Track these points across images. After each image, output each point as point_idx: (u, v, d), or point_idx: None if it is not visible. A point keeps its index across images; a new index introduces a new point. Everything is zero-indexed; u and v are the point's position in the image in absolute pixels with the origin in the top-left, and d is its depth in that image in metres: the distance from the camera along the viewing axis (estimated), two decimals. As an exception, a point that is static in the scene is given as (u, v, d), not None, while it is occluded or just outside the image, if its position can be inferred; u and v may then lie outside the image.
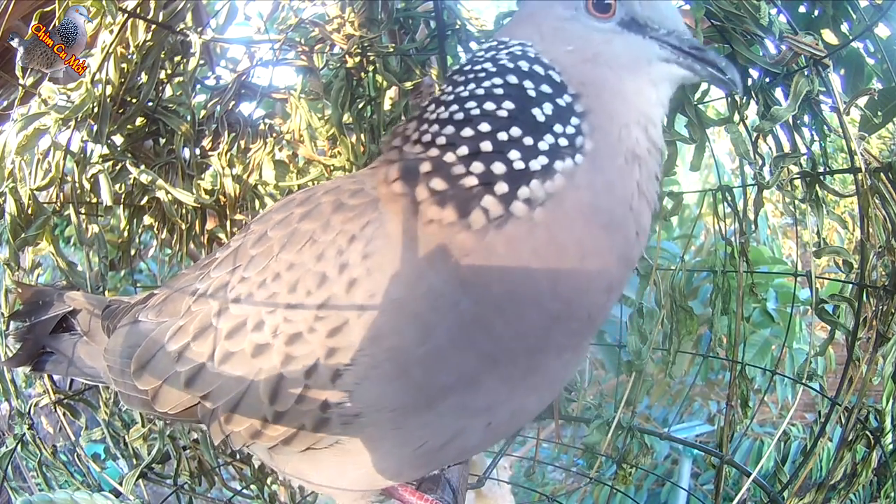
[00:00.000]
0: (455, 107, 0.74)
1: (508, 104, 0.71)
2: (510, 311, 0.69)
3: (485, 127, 0.71)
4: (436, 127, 0.74)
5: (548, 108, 0.71)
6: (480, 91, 0.73)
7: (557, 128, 0.71)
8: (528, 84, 0.73)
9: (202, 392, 0.79)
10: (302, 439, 0.76)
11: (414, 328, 0.67)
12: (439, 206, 0.69)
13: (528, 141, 0.70)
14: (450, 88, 0.77)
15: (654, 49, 0.76)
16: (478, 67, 0.76)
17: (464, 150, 0.70)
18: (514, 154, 0.69)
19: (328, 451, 0.77)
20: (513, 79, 0.73)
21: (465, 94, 0.74)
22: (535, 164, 0.69)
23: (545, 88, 0.73)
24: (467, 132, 0.71)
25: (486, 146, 0.70)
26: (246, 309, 0.75)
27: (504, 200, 0.68)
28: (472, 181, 0.69)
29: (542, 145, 0.70)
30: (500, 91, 0.72)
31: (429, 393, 0.70)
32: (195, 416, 0.83)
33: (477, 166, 0.69)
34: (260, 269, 0.75)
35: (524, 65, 0.74)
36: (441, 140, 0.72)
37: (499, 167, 0.69)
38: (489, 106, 0.72)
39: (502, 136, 0.70)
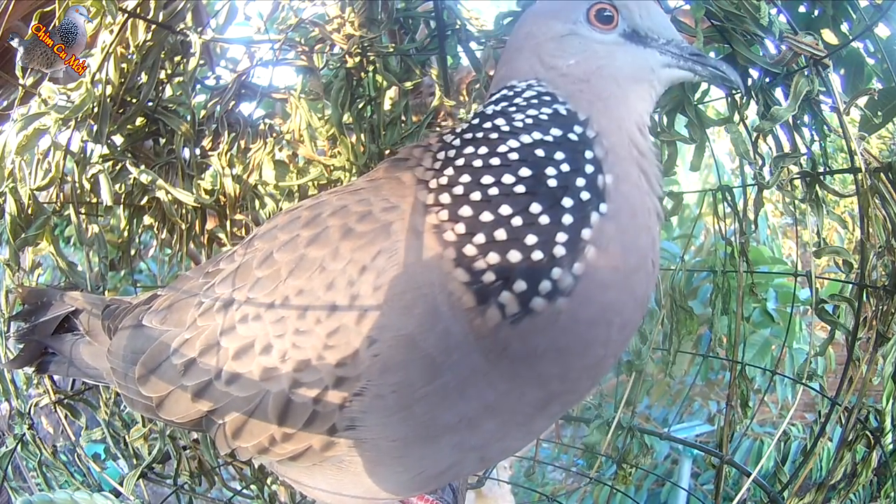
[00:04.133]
0: (467, 177, 0.70)
1: (525, 171, 0.68)
2: (521, 382, 0.70)
3: (505, 210, 0.67)
4: (451, 199, 0.69)
5: (564, 162, 0.68)
6: (496, 160, 0.70)
7: (579, 181, 0.68)
8: (536, 136, 0.70)
9: (209, 407, 0.79)
10: (309, 457, 0.76)
11: (422, 366, 0.67)
12: (463, 285, 0.66)
13: (546, 219, 0.66)
14: (461, 146, 0.74)
15: (657, 57, 0.77)
16: (489, 126, 0.73)
17: (480, 239, 0.66)
18: (530, 240, 0.65)
19: (332, 467, 0.77)
20: (526, 138, 0.70)
21: (479, 163, 0.70)
22: (560, 250, 0.65)
23: (555, 132, 0.70)
24: (486, 217, 0.67)
25: (501, 235, 0.66)
26: (253, 330, 0.74)
27: (522, 298, 0.65)
28: (490, 277, 0.65)
29: (567, 218, 0.66)
30: (515, 156, 0.69)
31: (429, 429, 0.71)
32: (200, 427, 0.83)
33: (493, 258, 0.65)
34: (267, 291, 0.74)
35: (533, 113, 0.72)
36: (461, 228, 0.67)
37: (515, 256, 0.65)
38: (507, 179, 0.68)
39: (516, 221, 0.66)
